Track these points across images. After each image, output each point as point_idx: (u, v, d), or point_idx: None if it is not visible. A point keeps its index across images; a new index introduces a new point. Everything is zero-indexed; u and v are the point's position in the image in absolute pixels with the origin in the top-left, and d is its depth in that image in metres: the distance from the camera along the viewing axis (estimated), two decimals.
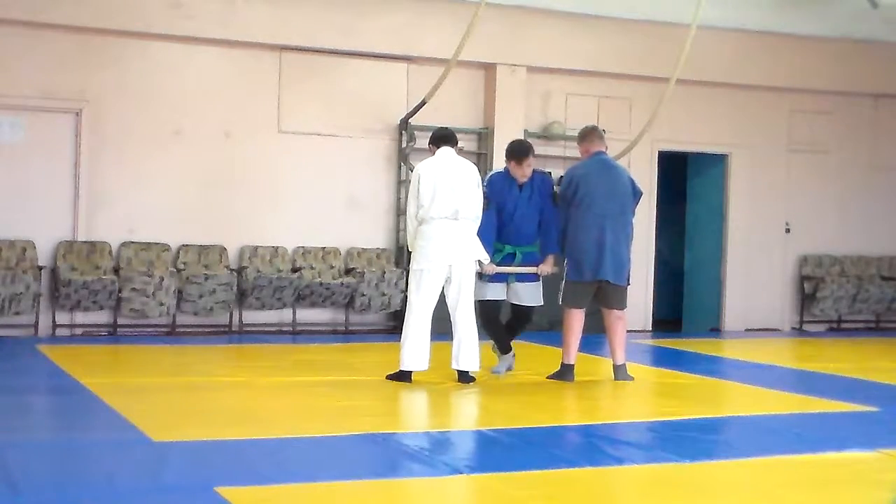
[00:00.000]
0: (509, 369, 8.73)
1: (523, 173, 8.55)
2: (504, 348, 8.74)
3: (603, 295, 8.45)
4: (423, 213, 8.07)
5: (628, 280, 8.50)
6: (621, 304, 8.51)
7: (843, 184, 14.35)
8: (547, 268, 8.59)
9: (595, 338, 9.44)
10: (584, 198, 8.30)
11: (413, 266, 8.17)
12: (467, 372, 8.16)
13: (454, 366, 8.16)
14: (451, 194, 8.05)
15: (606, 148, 8.71)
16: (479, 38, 10.86)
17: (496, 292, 8.55)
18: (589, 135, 8.64)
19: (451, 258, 8.07)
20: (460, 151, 8.44)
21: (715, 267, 13.85)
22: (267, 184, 11.80)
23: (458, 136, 8.56)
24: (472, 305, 8.22)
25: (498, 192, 8.54)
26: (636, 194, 8.54)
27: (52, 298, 10.87)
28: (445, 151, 8.27)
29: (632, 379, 8.46)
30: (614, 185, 8.41)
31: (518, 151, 8.60)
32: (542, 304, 8.71)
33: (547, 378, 8.46)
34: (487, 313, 8.61)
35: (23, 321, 10.77)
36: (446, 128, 8.61)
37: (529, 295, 8.63)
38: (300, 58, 11.92)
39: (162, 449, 5.69)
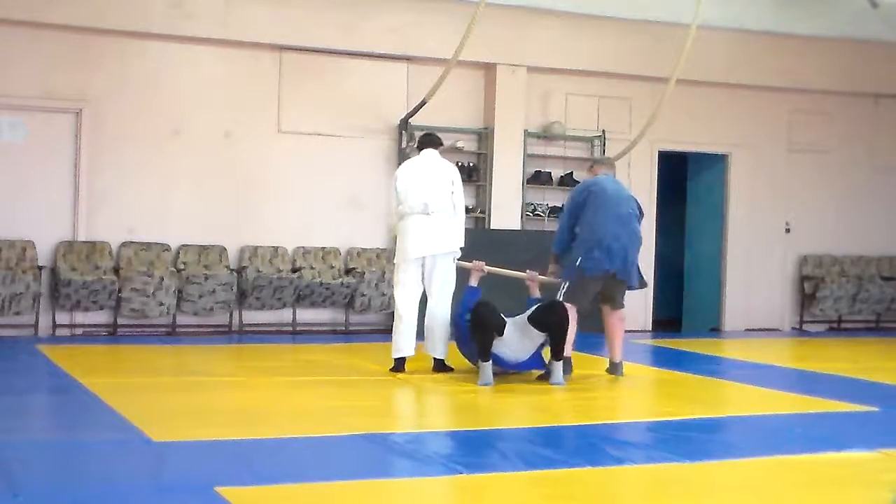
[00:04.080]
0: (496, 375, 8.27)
1: None
2: (485, 356, 8.14)
3: (608, 292, 8.66)
4: (400, 210, 8.54)
5: (641, 283, 8.78)
6: (622, 304, 8.76)
7: (843, 184, 14.33)
8: (539, 278, 8.83)
9: (594, 337, 9.44)
10: (597, 198, 8.65)
11: (395, 260, 8.68)
12: (443, 361, 8.49)
13: (426, 351, 8.55)
14: (421, 190, 8.49)
15: None
16: (479, 38, 10.85)
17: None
18: (603, 164, 9.25)
19: (423, 250, 8.47)
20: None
21: (715, 267, 13.84)
22: (267, 184, 11.79)
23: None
24: (448, 295, 8.53)
25: None
26: (640, 214, 8.92)
27: (52, 298, 10.87)
28: (427, 153, 8.76)
29: (622, 375, 8.73)
30: (624, 198, 8.82)
31: None
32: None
33: (536, 379, 8.41)
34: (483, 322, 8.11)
35: (23, 321, 10.77)
36: (430, 133, 9.16)
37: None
38: (300, 58, 11.92)
39: (162, 449, 5.69)
